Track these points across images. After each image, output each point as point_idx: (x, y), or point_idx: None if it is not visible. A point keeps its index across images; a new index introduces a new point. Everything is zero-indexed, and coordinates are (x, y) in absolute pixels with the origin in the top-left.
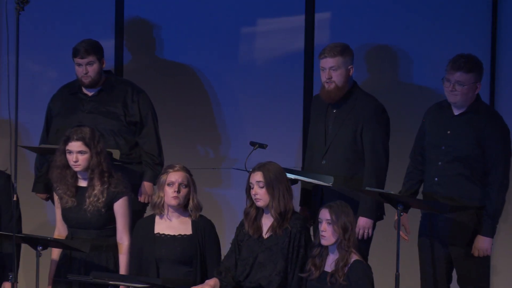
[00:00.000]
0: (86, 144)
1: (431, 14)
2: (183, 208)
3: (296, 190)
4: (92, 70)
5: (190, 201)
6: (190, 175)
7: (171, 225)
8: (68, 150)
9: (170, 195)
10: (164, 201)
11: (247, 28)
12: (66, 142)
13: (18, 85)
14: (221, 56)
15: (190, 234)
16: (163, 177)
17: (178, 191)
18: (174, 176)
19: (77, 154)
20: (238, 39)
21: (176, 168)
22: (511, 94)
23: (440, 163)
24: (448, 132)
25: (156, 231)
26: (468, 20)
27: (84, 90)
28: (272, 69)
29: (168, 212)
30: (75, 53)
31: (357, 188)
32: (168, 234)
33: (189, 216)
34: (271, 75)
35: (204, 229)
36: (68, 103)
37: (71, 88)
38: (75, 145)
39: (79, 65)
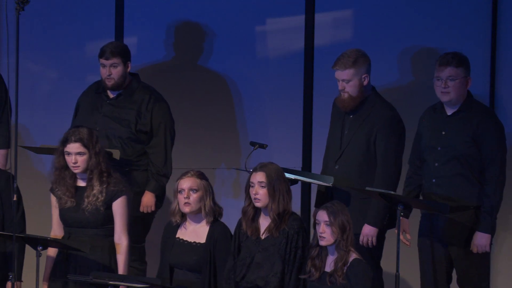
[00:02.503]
0: (85, 145)
1: (431, 14)
2: (201, 214)
3: (297, 191)
4: (116, 72)
5: (202, 207)
6: (203, 179)
7: (191, 231)
8: (66, 151)
9: (182, 202)
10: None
11: (248, 29)
12: (64, 143)
13: (18, 85)
14: (222, 57)
15: (203, 243)
16: (176, 185)
17: (188, 197)
18: (184, 183)
19: (75, 155)
20: (238, 39)
21: (187, 175)
22: (511, 94)
23: (437, 164)
24: (443, 132)
25: (177, 235)
26: (468, 20)
27: (107, 91)
28: (272, 69)
29: (187, 219)
30: (101, 53)
31: (359, 188)
32: (186, 241)
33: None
34: (271, 75)
35: (217, 237)
36: (90, 101)
37: (98, 86)
38: (73, 147)
39: (104, 66)
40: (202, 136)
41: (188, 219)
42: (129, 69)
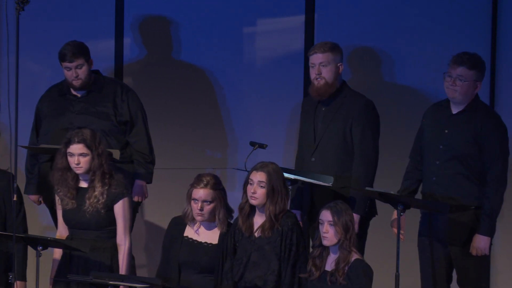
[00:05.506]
0: (88, 146)
1: (432, 14)
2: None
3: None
4: (82, 72)
5: (216, 216)
6: (218, 189)
7: (202, 231)
8: (69, 152)
9: (195, 211)
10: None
11: (248, 28)
12: (67, 144)
13: (18, 85)
14: (222, 56)
15: (216, 244)
16: (190, 191)
17: (202, 209)
18: (198, 194)
19: (78, 156)
20: (239, 39)
21: (201, 185)
22: (511, 94)
23: (438, 162)
24: (446, 131)
25: (185, 233)
26: (468, 20)
27: (73, 91)
28: (272, 69)
29: (198, 222)
30: (62, 57)
31: (358, 189)
32: (196, 240)
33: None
34: (271, 75)
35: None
36: (57, 104)
37: (60, 89)
38: (76, 148)
39: (68, 69)
40: (201, 136)
41: (199, 222)
42: (92, 66)
